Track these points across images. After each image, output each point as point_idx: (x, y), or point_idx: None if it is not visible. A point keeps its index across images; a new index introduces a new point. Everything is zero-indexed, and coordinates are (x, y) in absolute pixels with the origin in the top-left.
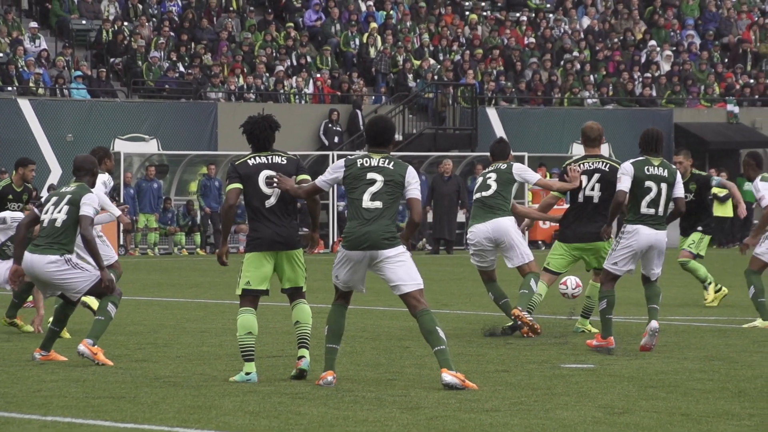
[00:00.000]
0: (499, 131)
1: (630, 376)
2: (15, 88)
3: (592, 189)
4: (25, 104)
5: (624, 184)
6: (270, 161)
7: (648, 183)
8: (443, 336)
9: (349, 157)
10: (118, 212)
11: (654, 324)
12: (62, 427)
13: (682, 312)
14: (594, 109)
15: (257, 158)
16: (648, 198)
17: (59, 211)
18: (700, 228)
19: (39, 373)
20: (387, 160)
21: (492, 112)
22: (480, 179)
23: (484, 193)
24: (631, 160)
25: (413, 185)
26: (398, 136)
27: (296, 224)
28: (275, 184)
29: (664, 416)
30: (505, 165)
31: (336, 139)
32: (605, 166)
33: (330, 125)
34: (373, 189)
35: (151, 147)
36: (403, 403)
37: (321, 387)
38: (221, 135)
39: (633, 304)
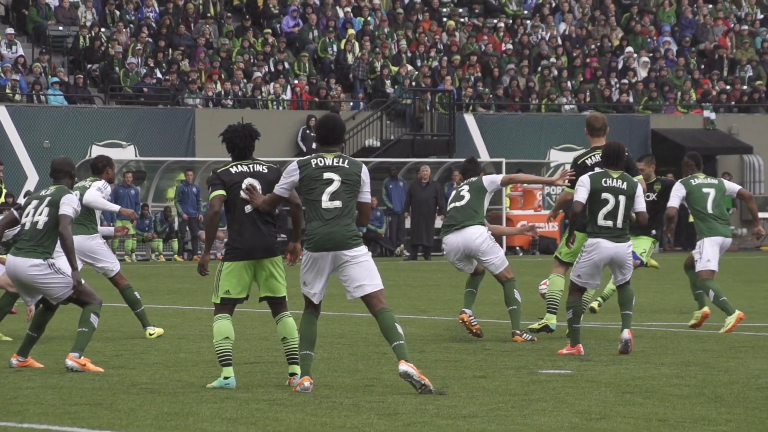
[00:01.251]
0: (477, 137)
1: (607, 381)
2: None
3: None
4: (1, 110)
5: (580, 195)
6: (252, 170)
7: (605, 195)
8: (402, 332)
9: (301, 158)
10: (116, 207)
11: (625, 335)
12: None
13: (658, 317)
14: (571, 116)
15: (239, 166)
16: (605, 210)
17: (40, 214)
18: (654, 232)
19: (15, 380)
20: (341, 159)
21: (470, 119)
22: (454, 192)
23: (457, 204)
24: (590, 173)
25: (367, 187)
26: (376, 142)
27: (275, 231)
28: (246, 195)
29: (641, 422)
30: (476, 178)
31: (314, 146)
32: None
33: (308, 131)
34: (331, 189)
35: (128, 153)
36: (381, 409)
37: (299, 393)
38: (199, 141)
39: (613, 311)
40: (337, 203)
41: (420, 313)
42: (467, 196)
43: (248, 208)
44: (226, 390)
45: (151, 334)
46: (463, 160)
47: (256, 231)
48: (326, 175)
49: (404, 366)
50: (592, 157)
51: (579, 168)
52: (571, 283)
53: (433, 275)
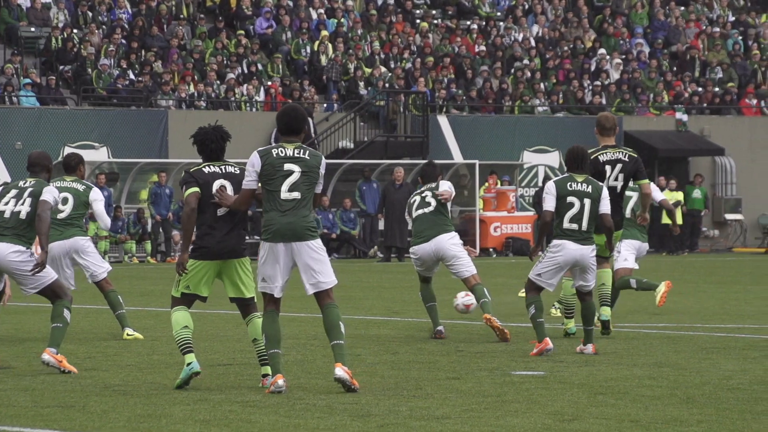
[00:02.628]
0: (450, 139)
1: (580, 383)
2: None
3: (616, 179)
4: None
5: (549, 204)
6: (224, 171)
7: (570, 198)
8: (344, 331)
9: (261, 148)
10: (109, 221)
11: (589, 350)
12: None
13: (631, 319)
14: (544, 117)
15: (211, 167)
16: (570, 213)
17: (22, 204)
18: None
19: None
20: (301, 150)
21: (443, 120)
22: (417, 198)
23: (426, 210)
24: (555, 178)
25: (322, 179)
26: (350, 144)
27: (244, 233)
28: (217, 199)
29: (614, 423)
30: (435, 184)
31: None
32: (625, 156)
33: None
34: (291, 180)
35: (101, 155)
36: (354, 410)
37: (272, 395)
38: (172, 142)
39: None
40: (296, 194)
41: (393, 314)
42: (433, 203)
43: (221, 211)
44: (199, 392)
45: (129, 335)
46: (435, 162)
47: (225, 232)
48: (287, 166)
49: (340, 371)
50: (605, 154)
51: (591, 164)
52: (529, 282)
53: (407, 277)
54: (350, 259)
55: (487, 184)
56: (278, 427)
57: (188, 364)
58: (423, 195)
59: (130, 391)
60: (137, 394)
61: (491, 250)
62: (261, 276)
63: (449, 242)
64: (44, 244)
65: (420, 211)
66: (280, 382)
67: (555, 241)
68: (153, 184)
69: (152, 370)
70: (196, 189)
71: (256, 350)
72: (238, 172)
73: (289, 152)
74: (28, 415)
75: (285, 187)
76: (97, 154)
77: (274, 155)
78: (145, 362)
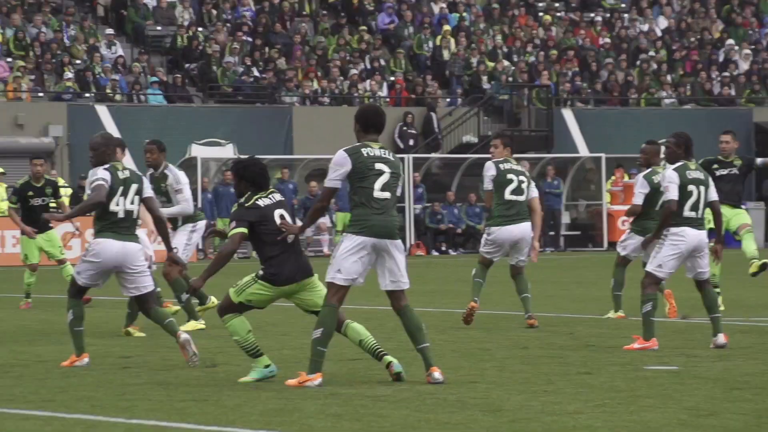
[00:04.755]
0: (576, 132)
1: (715, 377)
2: (92, 94)
3: None
4: (102, 110)
5: (673, 193)
6: (275, 200)
7: (690, 187)
8: (427, 332)
9: (347, 147)
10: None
11: (721, 340)
12: (147, 429)
13: (766, 312)
14: (672, 110)
15: (263, 199)
16: (691, 201)
17: (132, 203)
18: (744, 206)
19: (123, 377)
20: (385, 151)
21: (568, 113)
22: (515, 182)
23: (519, 197)
24: (672, 167)
25: (402, 181)
26: (474, 138)
27: (304, 252)
28: (284, 232)
29: (752, 418)
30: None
31: (411, 142)
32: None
33: (405, 128)
34: (383, 179)
35: (227, 151)
36: (485, 405)
37: (403, 390)
38: (296, 139)
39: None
40: (387, 194)
41: (521, 308)
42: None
43: (290, 238)
44: (330, 387)
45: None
46: (561, 155)
47: (294, 257)
48: (378, 166)
49: (439, 375)
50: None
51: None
52: (650, 276)
53: (530, 271)
54: (476, 254)
55: (613, 177)
56: (409, 422)
57: (266, 365)
58: (521, 181)
59: (262, 385)
60: (269, 388)
61: None
62: (337, 267)
63: (528, 230)
64: (171, 245)
65: (513, 197)
66: (317, 380)
67: (675, 229)
68: (277, 181)
69: (284, 365)
70: (244, 230)
71: (367, 350)
72: (283, 199)
73: (377, 152)
74: (164, 409)
75: (378, 185)
76: (224, 151)
77: (365, 154)
78: (277, 357)
